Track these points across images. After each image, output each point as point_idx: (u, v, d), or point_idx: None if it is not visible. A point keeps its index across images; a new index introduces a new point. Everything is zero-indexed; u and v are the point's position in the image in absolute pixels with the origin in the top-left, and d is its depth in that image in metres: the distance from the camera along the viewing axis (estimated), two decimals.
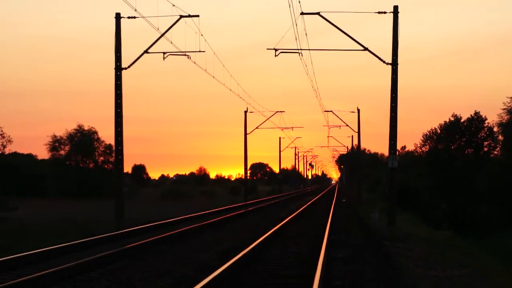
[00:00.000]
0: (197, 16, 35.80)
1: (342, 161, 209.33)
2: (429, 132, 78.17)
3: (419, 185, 72.65)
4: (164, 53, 37.27)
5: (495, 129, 74.49)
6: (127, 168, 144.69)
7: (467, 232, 53.63)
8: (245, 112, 77.01)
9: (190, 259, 20.11)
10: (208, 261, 19.41)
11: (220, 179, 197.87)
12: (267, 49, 36.12)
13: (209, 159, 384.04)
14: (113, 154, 43.51)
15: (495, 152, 75.30)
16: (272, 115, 79.32)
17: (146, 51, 36.42)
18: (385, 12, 34.12)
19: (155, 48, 36.67)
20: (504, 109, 72.74)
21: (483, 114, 74.91)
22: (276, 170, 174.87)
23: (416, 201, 68.38)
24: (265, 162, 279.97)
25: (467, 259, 24.95)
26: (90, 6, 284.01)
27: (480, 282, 18.32)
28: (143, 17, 33.05)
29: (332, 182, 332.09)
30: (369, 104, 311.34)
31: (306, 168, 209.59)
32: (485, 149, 75.09)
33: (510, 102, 71.71)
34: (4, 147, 73.12)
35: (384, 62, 34.30)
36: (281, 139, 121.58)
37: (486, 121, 74.79)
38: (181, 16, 35.68)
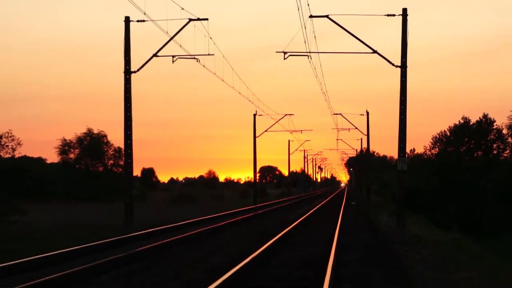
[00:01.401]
0: (206, 19, 35.93)
1: (351, 164, 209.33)
2: (438, 134, 78.18)
3: (428, 187, 72.53)
4: (173, 56, 37.40)
5: (504, 131, 74.45)
6: (136, 172, 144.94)
7: (476, 234, 53.52)
8: (254, 115, 77.08)
9: (200, 262, 20.17)
10: (219, 264, 19.47)
11: (229, 183, 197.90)
12: (276, 52, 36.23)
13: (218, 162, 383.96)
14: (123, 158, 43.62)
15: (505, 155, 75.22)
16: (281, 118, 79.35)
17: (155, 55, 36.53)
18: (394, 15, 34.14)
19: (164, 52, 36.80)
20: None
21: (493, 116, 74.90)
22: (285, 173, 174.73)
23: (425, 204, 68.29)
24: (274, 165, 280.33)
25: (476, 261, 24.94)
26: (99, 9, 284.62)
27: (489, 285, 18.32)
28: (152, 20, 33.19)
29: (341, 185, 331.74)
30: (378, 107, 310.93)
31: (315, 171, 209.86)
32: (494, 151, 75.03)
33: None
34: (14, 150, 73.52)
35: (393, 64, 34.31)
36: (290, 142, 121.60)
37: (495, 123, 74.76)
38: (190, 20, 35.79)
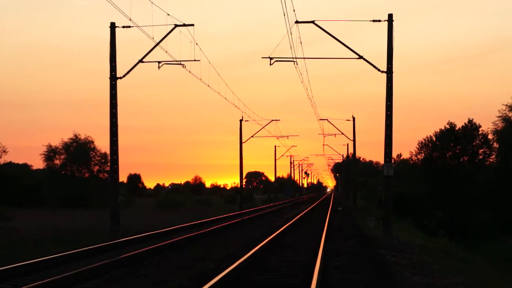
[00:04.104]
0: (192, 25, 35.88)
1: (337, 169, 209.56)
2: (424, 140, 78.31)
3: (415, 193, 72.65)
4: (159, 62, 37.33)
5: (490, 136, 74.66)
6: (123, 178, 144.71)
7: (462, 239, 53.62)
8: (241, 120, 77.09)
9: (186, 268, 20.06)
10: (205, 270, 19.37)
11: (215, 188, 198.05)
12: (262, 57, 36.15)
13: (205, 168, 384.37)
14: (109, 163, 43.44)
15: (490, 160, 75.41)
16: (268, 124, 79.43)
17: (141, 61, 36.45)
18: (379, 21, 34.12)
19: (150, 57, 36.80)
20: (499, 116, 72.95)
21: (478, 121, 75.12)
22: (272, 178, 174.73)
23: (412, 209, 68.37)
24: (260, 170, 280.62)
25: (463, 266, 24.95)
26: (85, 15, 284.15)
27: None
28: (138, 26, 33.09)
29: (327, 190, 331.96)
30: (364, 112, 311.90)
31: (302, 176, 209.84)
32: (480, 156, 75.19)
33: (505, 110, 71.94)
34: None
35: (379, 70, 34.29)
36: (277, 147, 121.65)
37: (481, 129, 74.97)
38: (176, 25, 35.74)
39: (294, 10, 33.17)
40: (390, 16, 34.12)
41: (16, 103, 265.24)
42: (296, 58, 36.22)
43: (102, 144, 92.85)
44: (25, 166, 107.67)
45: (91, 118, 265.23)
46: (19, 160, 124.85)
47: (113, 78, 35.63)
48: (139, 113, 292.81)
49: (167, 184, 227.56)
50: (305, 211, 63.11)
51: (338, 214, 60.61)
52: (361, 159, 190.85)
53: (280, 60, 36.50)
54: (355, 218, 53.91)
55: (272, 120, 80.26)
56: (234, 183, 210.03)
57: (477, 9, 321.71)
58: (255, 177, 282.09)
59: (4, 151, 74.19)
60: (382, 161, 36.56)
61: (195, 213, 58.69)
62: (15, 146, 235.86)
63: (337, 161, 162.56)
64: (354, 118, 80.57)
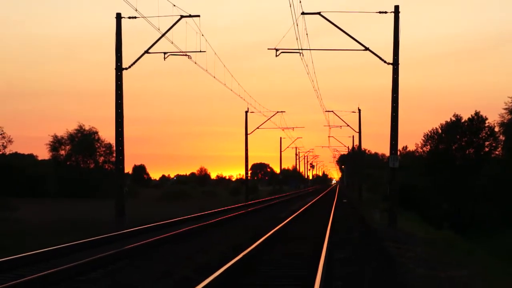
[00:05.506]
0: (198, 16, 35.83)
1: (343, 161, 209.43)
2: (430, 132, 78.26)
3: (420, 185, 72.59)
4: (164, 53, 37.27)
5: (496, 129, 74.55)
6: (128, 169, 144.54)
7: (468, 232, 53.59)
8: (246, 112, 77.02)
9: (191, 259, 20.04)
10: (209, 262, 19.34)
11: (221, 180, 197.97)
12: (268, 49, 36.14)
13: (210, 159, 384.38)
14: (114, 154, 43.46)
15: (496, 152, 75.32)
16: (273, 115, 79.39)
17: (146, 51, 36.42)
18: (386, 12, 34.06)
19: (155, 48, 36.71)
20: (505, 108, 72.81)
21: (484, 114, 75.02)
22: (277, 170, 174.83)
23: (417, 201, 68.34)
24: (266, 162, 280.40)
25: (468, 259, 24.92)
26: (90, 6, 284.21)
27: (481, 282, 18.27)
28: (143, 17, 33.06)
29: (333, 182, 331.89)
30: (370, 104, 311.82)
31: (307, 168, 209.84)
32: (486, 149, 75.09)
33: (511, 102, 71.77)
34: (5, 147, 73.37)
35: (385, 62, 34.24)
36: (282, 139, 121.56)
37: (487, 121, 74.85)
38: (182, 16, 35.68)
39: (300, 1, 33.12)
40: (397, 7, 34.05)
41: (22, 94, 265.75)
42: (302, 49, 36.19)
43: (107, 135, 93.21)
44: (31, 157, 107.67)
45: (97, 109, 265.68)
46: (24, 150, 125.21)
47: (119, 69, 35.61)
48: (145, 104, 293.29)
49: (172, 175, 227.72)
50: (310, 203, 63.10)
51: (344, 206, 60.56)
52: (367, 151, 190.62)
53: (286, 51, 36.47)
54: (360, 210, 53.88)
55: (278, 112, 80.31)
56: (239, 174, 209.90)
57: (484, 2, 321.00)
58: (261, 168, 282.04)
59: (9, 142, 74.13)
60: (387, 153, 36.54)
61: (200, 205, 58.68)
62: (20, 137, 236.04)
63: (342, 153, 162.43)
64: (359, 110, 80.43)
